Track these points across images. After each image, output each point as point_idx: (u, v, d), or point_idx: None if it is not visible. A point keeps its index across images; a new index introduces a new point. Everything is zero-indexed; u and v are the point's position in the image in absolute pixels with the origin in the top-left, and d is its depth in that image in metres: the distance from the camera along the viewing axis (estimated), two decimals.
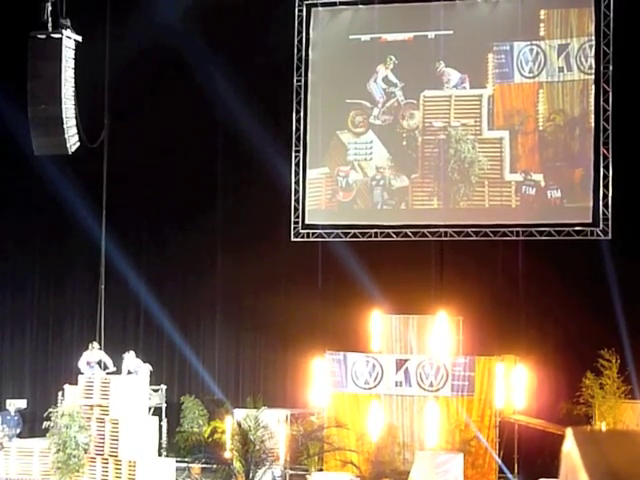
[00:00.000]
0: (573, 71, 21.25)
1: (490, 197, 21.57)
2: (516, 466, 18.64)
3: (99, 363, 20.88)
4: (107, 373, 20.65)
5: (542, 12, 21.47)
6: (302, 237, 22.56)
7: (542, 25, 21.43)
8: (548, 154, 21.47)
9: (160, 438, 20.09)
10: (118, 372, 20.48)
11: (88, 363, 20.72)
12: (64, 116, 19.56)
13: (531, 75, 21.48)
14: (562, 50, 21.30)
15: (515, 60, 21.53)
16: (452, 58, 21.84)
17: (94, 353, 20.94)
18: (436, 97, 22.07)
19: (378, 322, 20.11)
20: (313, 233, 22.50)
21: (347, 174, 22.48)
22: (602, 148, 20.91)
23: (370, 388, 19.41)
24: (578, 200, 21.11)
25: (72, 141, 19.97)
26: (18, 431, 21.00)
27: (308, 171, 22.64)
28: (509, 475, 18.54)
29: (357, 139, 22.45)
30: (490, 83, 21.73)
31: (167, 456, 20.22)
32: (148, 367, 20.65)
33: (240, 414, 18.73)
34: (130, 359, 20.72)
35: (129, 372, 20.53)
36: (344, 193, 22.51)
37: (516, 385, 19.22)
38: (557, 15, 21.39)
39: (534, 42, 21.45)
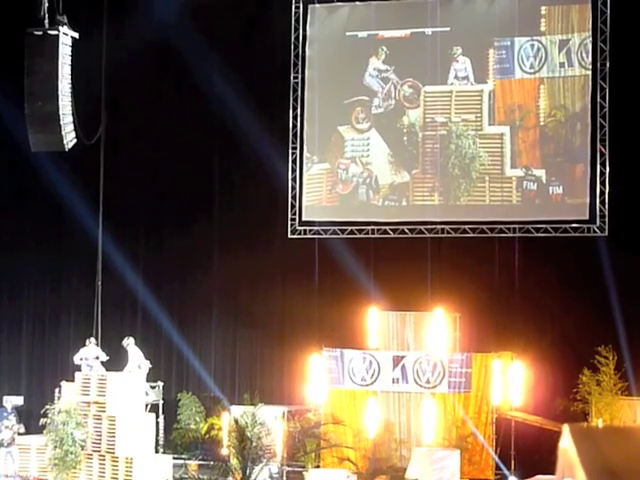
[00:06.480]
0: (574, 67, 21.22)
1: (491, 193, 21.57)
2: (513, 462, 18.60)
3: (96, 359, 20.93)
4: (101, 362, 20.78)
5: (543, 8, 21.45)
6: (299, 234, 22.54)
7: (543, 20, 21.41)
8: (549, 150, 21.46)
9: (157, 435, 20.07)
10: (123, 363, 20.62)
11: (86, 359, 20.77)
12: (61, 113, 19.54)
13: (532, 71, 21.46)
14: (563, 46, 21.28)
15: (516, 55, 21.51)
16: (452, 54, 21.80)
17: (90, 349, 21.00)
18: (436, 92, 22.05)
19: (375, 319, 20.09)
20: (310, 230, 22.48)
21: (347, 167, 22.47)
22: (599, 145, 20.91)
23: (367, 385, 19.40)
24: (579, 196, 21.10)
25: (69, 138, 19.96)
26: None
27: (310, 168, 22.62)
28: (506, 471, 18.52)
29: (358, 135, 22.43)
30: (491, 78, 21.72)
31: (164, 453, 20.20)
32: (141, 356, 20.76)
33: (237, 411, 18.67)
34: (132, 348, 20.84)
35: (134, 363, 20.65)
36: (343, 185, 22.50)
37: (513, 382, 19.21)
38: (558, 11, 21.36)
39: (535, 37, 21.43)
